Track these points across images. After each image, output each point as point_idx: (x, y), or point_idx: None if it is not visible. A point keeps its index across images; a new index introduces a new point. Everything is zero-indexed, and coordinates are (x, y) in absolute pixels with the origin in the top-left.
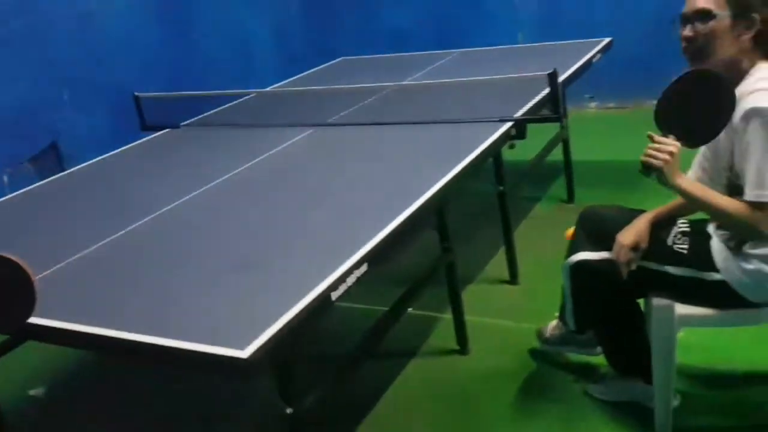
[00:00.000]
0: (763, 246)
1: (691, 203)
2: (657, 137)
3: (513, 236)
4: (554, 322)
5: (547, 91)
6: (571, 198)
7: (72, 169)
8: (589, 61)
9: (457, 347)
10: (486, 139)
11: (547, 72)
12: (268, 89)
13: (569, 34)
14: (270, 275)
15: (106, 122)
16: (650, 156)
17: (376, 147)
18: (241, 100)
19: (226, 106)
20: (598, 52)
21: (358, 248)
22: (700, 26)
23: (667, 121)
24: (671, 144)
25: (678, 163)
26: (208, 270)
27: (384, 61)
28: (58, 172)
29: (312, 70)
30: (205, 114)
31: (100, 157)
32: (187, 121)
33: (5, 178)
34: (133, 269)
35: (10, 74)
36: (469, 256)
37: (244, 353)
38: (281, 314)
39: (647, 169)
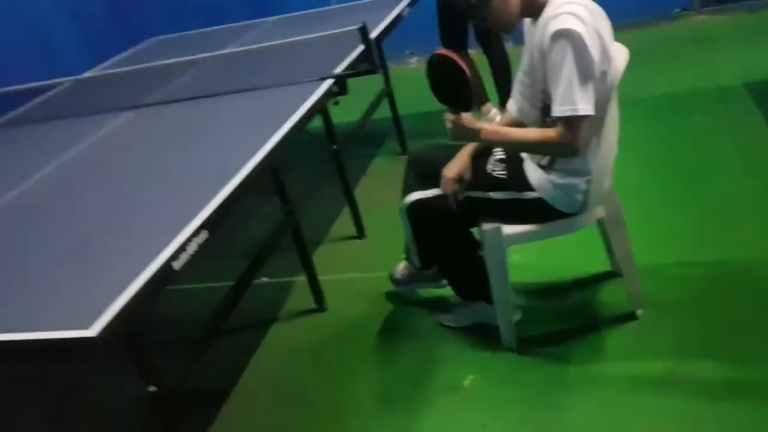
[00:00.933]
0: (568, 161)
1: (502, 147)
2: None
3: (354, 193)
4: (402, 264)
5: (362, 47)
6: (404, 150)
7: None
8: (399, 15)
9: (315, 307)
10: (308, 97)
11: (358, 27)
12: (77, 77)
13: None
14: (108, 255)
15: None
16: (449, 131)
17: (199, 121)
18: (50, 94)
19: (35, 101)
20: (405, 6)
21: (194, 216)
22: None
23: (438, 97)
24: (449, 116)
25: (464, 126)
26: (40, 261)
27: (197, 37)
28: None
29: (122, 54)
30: (12, 113)
31: None
32: None
33: None
34: None
35: None
36: (314, 217)
37: (92, 332)
38: (124, 288)
39: (453, 139)
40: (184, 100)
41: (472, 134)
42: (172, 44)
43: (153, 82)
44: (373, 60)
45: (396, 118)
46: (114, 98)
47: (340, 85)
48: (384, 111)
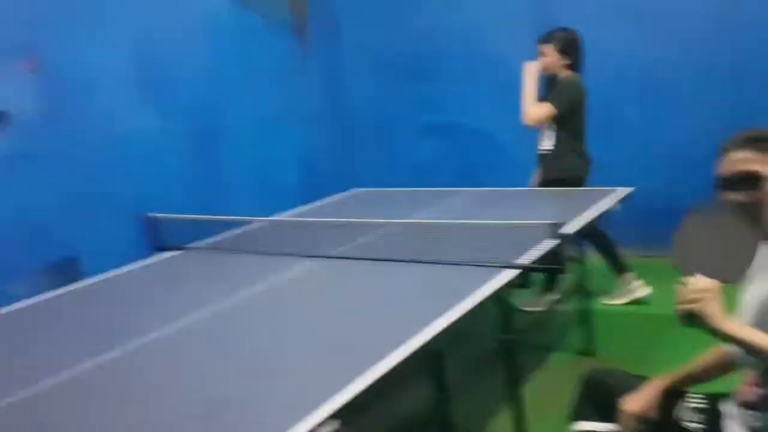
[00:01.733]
0: None
1: (745, 349)
2: (690, 279)
3: (521, 391)
4: None
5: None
6: (589, 351)
7: (68, 288)
8: (606, 210)
9: None
10: (488, 283)
11: (550, 222)
12: (273, 218)
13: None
14: (239, 420)
15: (125, 239)
16: (687, 302)
17: (374, 284)
18: (252, 226)
19: (238, 231)
20: (617, 201)
21: (333, 396)
22: (752, 192)
23: (690, 262)
24: (707, 282)
25: (719, 302)
26: (175, 407)
27: (396, 195)
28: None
29: (327, 199)
30: (215, 238)
31: (102, 276)
32: (196, 243)
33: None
34: (109, 400)
35: (35, 186)
36: (466, 410)
37: None
38: None
39: (687, 317)
40: (366, 259)
41: (718, 315)
42: (372, 198)
43: (342, 235)
44: (560, 259)
45: (585, 313)
46: (301, 243)
47: (524, 277)
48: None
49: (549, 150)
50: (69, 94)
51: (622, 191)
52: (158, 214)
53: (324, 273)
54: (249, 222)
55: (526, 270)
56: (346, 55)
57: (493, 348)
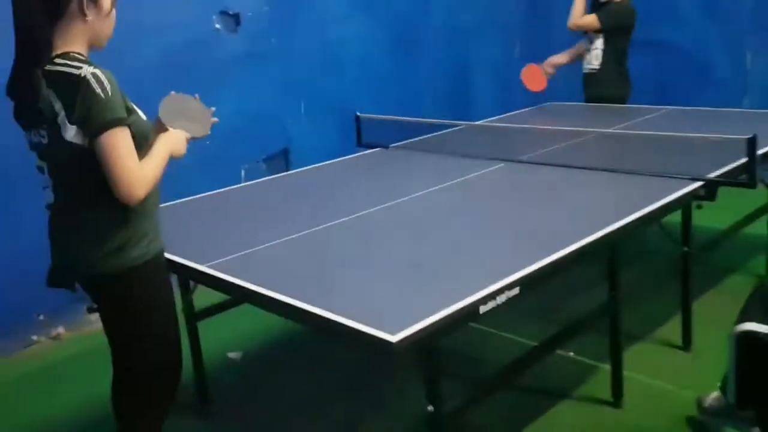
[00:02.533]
0: None
1: None
2: None
3: (692, 302)
4: (715, 393)
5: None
6: None
7: (294, 171)
8: None
9: (610, 399)
10: (671, 193)
11: (746, 137)
12: (474, 123)
13: None
14: (432, 278)
15: (332, 136)
16: None
17: (560, 187)
18: (448, 130)
19: (437, 134)
20: None
21: (515, 271)
22: None
23: None
24: None
25: None
26: (383, 265)
27: (592, 110)
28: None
29: (521, 110)
30: (414, 139)
31: (318, 164)
32: (396, 143)
33: (242, 172)
34: (326, 258)
35: (261, 83)
36: (640, 314)
37: (394, 338)
38: (432, 313)
39: None
40: (555, 165)
41: None
42: (568, 111)
43: (536, 143)
44: (753, 175)
45: None
46: (494, 147)
47: (710, 191)
48: (760, 227)
49: (595, 69)
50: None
51: None
52: (364, 114)
53: (512, 175)
54: (448, 125)
55: (714, 184)
56: None
57: (673, 260)
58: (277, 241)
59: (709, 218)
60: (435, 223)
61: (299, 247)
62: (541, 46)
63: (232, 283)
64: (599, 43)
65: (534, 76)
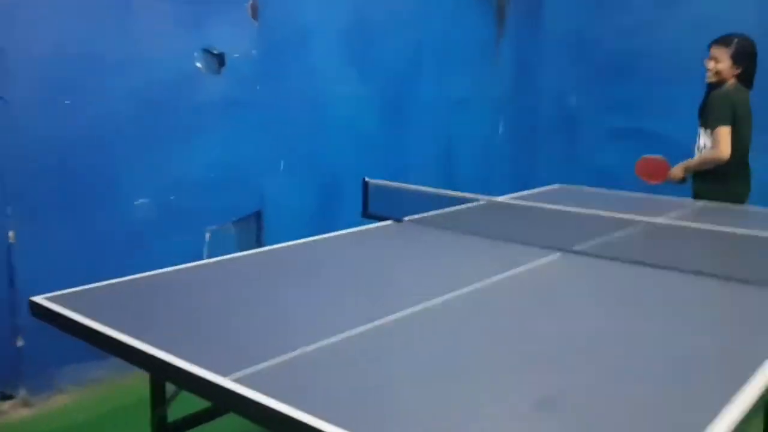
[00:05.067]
0: None
1: None
2: None
3: None
4: None
5: None
6: None
7: (294, 242)
8: None
9: None
10: None
11: None
12: (495, 198)
13: None
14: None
15: (311, 200)
16: None
17: (659, 292)
18: (465, 206)
19: (455, 208)
20: None
21: (713, 417)
22: None
23: None
24: None
25: None
26: (498, 403)
27: (608, 196)
28: (255, 241)
29: (528, 191)
30: (431, 212)
31: (323, 235)
32: (410, 216)
33: (207, 235)
34: (397, 375)
35: (240, 133)
36: None
37: None
38: None
39: None
40: (622, 261)
41: None
42: (586, 197)
43: (574, 230)
44: None
45: None
46: (533, 232)
47: None
48: None
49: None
50: (283, 44)
51: None
52: (374, 180)
53: (584, 269)
54: (470, 200)
55: None
56: (543, 43)
57: None
58: (315, 345)
59: None
60: (526, 327)
61: (347, 356)
62: (528, 124)
63: (276, 411)
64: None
65: (657, 169)
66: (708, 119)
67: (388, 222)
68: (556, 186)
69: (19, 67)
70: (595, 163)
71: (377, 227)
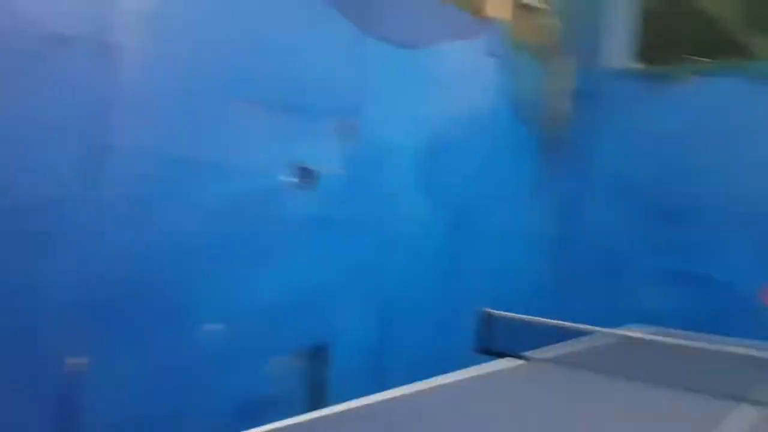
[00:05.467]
0: None
1: None
2: None
3: None
4: None
5: None
6: None
7: (397, 392)
8: None
9: None
10: None
11: None
12: (632, 333)
13: None
14: None
15: (373, 330)
16: None
17: None
18: (582, 338)
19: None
20: None
21: None
22: None
23: None
24: None
25: None
26: None
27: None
28: (324, 373)
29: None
30: (554, 349)
31: (450, 375)
32: (534, 352)
33: (271, 367)
34: None
35: (321, 256)
36: None
37: None
38: None
39: None
40: None
41: None
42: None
43: (731, 373)
44: None
45: None
46: (695, 377)
47: None
48: None
49: None
50: (368, 164)
51: None
52: (496, 312)
53: None
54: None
55: None
56: (589, 181)
57: None
58: None
59: None
60: None
61: None
62: (569, 265)
63: None
64: None
65: None
66: None
67: (515, 361)
68: (625, 327)
69: (116, 164)
70: (639, 306)
71: (506, 368)
